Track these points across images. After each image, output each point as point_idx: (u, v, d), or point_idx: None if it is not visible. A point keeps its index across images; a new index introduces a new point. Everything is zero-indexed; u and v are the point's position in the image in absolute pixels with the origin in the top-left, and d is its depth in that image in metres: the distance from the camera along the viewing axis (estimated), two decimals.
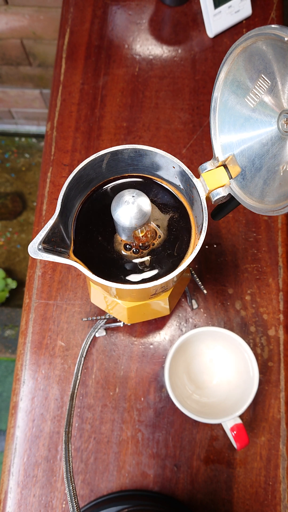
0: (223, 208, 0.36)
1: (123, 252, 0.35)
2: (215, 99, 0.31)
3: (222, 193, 0.32)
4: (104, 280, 0.30)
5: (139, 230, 0.32)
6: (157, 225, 0.36)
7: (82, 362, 0.45)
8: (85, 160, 0.32)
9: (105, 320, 0.49)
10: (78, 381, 0.42)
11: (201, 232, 0.31)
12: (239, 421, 0.43)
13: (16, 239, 1.34)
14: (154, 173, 0.36)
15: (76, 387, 0.42)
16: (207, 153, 0.58)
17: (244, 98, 0.30)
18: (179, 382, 0.47)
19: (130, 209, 0.29)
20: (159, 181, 0.36)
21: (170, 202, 0.36)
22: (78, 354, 0.50)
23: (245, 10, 0.62)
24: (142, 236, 0.33)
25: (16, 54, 1.02)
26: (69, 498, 0.32)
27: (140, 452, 0.47)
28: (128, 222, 0.30)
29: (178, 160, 0.32)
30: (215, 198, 0.33)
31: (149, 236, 0.35)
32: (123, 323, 0.50)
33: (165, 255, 0.35)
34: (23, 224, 1.35)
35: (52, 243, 0.30)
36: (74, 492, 0.33)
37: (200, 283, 0.51)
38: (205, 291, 0.51)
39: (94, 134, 0.59)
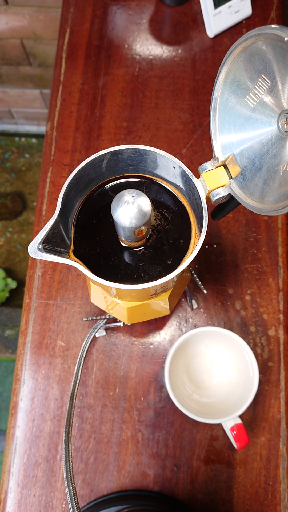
0: (223, 208, 0.36)
1: (123, 252, 0.35)
2: (215, 99, 0.31)
3: (222, 193, 0.32)
4: (104, 280, 0.30)
5: (138, 230, 0.32)
6: (157, 225, 0.36)
7: (82, 362, 0.45)
8: (85, 160, 0.32)
9: (105, 320, 0.49)
10: (78, 381, 0.42)
11: (201, 232, 0.31)
12: (239, 421, 0.43)
13: (16, 239, 1.34)
14: (154, 173, 0.36)
15: (76, 387, 0.42)
16: (207, 153, 0.58)
17: (244, 98, 0.30)
18: (179, 382, 0.47)
19: (130, 209, 0.29)
20: (159, 181, 0.36)
21: (170, 202, 0.36)
22: (78, 354, 0.50)
23: (245, 10, 0.62)
24: (142, 236, 0.33)
25: (16, 54, 1.02)
26: (69, 498, 0.32)
27: (140, 452, 0.47)
28: (128, 222, 0.30)
29: (178, 160, 0.32)
30: (215, 198, 0.33)
31: (148, 236, 0.35)
32: (123, 323, 0.50)
33: (165, 255, 0.35)
34: (23, 224, 1.35)
35: (52, 243, 0.30)
36: (74, 492, 0.33)
37: (200, 283, 0.51)
38: (205, 291, 0.51)
39: (94, 134, 0.59)
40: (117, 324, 0.50)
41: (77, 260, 0.32)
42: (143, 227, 0.31)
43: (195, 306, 0.52)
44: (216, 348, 0.48)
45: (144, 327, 0.51)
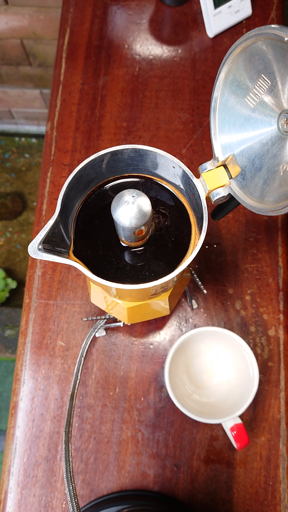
0: (223, 208, 0.36)
1: (123, 252, 0.35)
2: (215, 99, 0.31)
3: (222, 193, 0.32)
4: (104, 280, 0.30)
5: (138, 230, 0.32)
6: (156, 225, 0.36)
7: (82, 362, 0.45)
8: (85, 160, 0.32)
9: (105, 320, 0.49)
10: (78, 381, 0.42)
11: (201, 232, 0.31)
12: (239, 421, 0.43)
13: (16, 239, 1.34)
14: (154, 173, 0.36)
15: (76, 387, 0.42)
16: (207, 153, 0.58)
17: (244, 98, 0.30)
18: (179, 382, 0.47)
19: (130, 209, 0.29)
20: (159, 181, 0.36)
21: (170, 202, 0.36)
22: (78, 354, 0.50)
23: (245, 10, 0.62)
24: (142, 236, 0.33)
25: (16, 54, 1.02)
26: (69, 498, 0.32)
27: (140, 452, 0.47)
28: (128, 222, 0.30)
29: (178, 160, 0.33)
30: (215, 198, 0.33)
31: (148, 236, 0.35)
32: (123, 323, 0.50)
33: (165, 255, 0.35)
34: (23, 224, 1.35)
35: (52, 243, 0.30)
36: (74, 492, 0.33)
37: (200, 283, 0.51)
38: (205, 291, 0.51)
39: (94, 134, 0.59)
40: (117, 324, 0.50)
41: (77, 260, 0.32)
42: (143, 227, 0.31)
43: (195, 306, 0.52)
44: (216, 348, 0.48)
45: (144, 327, 0.51)
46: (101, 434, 0.48)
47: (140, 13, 0.64)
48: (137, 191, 0.30)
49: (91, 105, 0.60)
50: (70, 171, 0.57)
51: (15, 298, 1.28)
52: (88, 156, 0.36)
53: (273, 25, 0.25)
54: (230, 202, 0.34)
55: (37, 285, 0.52)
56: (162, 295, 0.39)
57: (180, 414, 0.48)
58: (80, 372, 0.44)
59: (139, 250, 0.35)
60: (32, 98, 1.20)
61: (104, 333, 0.50)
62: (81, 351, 0.46)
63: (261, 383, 0.49)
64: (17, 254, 1.32)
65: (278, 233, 0.54)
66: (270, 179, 0.29)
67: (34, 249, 0.29)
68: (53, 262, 0.53)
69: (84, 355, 0.46)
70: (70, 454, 0.35)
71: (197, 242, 0.32)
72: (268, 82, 0.27)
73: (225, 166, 0.33)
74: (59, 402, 0.48)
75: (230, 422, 0.43)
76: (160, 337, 0.51)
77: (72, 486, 0.33)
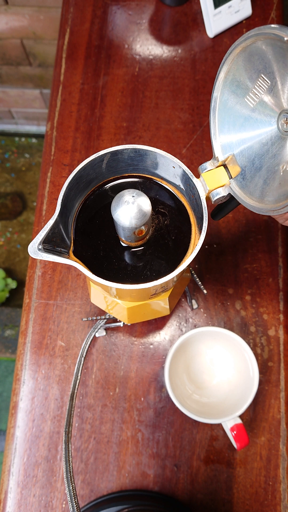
0: (223, 208, 0.36)
1: (123, 252, 0.35)
2: (215, 99, 0.31)
3: (222, 193, 0.32)
4: (104, 280, 0.30)
5: (138, 230, 0.32)
6: (157, 225, 0.36)
7: (82, 362, 0.45)
8: (85, 160, 0.32)
9: (105, 320, 0.49)
10: (78, 381, 0.42)
11: (201, 232, 0.31)
12: (239, 421, 0.43)
13: (16, 239, 1.34)
14: (154, 173, 0.36)
15: (76, 387, 0.42)
16: (207, 153, 0.58)
17: (244, 98, 0.30)
18: (179, 382, 0.47)
19: (130, 209, 0.29)
20: (159, 181, 0.36)
21: (170, 202, 0.36)
22: (78, 354, 0.50)
23: (245, 10, 0.62)
24: (142, 236, 0.33)
25: (16, 54, 1.02)
26: (69, 498, 0.32)
27: (140, 452, 0.47)
28: (128, 222, 0.30)
29: (178, 160, 0.32)
30: (215, 198, 0.33)
31: (148, 236, 0.35)
32: (123, 323, 0.50)
33: (165, 255, 0.35)
34: (23, 224, 1.35)
35: (52, 243, 0.30)
36: (74, 492, 0.33)
37: (200, 283, 0.51)
38: (205, 291, 0.51)
39: (94, 134, 0.59)
40: (117, 324, 0.50)
41: (77, 260, 0.32)
42: (143, 227, 0.31)
43: (195, 306, 0.52)
44: (216, 348, 0.48)
45: (144, 327, 0.51)
46: (101, 434, 0.48)
47: (140, 13, 0.64)
48: (137, 191, 0.30)
49: (91, 105, 0.60)
50: (70, 171, 0.57)
51: (15, 298, 1.28)
52: (88, 156, 0.36)
53: (273, 25, 0.25)
54: (230, 202, 0.34)
55: (37, 285, 0.52)
56: (162, 295, 0.39)
57: (180, 414, 0.48)
58: (80, 372, 0.44)
59: (139, 250, 0.35)
60: (32, 98, 1.20)
61: (104, 333, 0.50)
62: (81, 351, 0.46)
63: (261, 383, 0.49)
64: (17, 254, 1.32)
65: (278, 233, 0.54)
66: (270, 179, 0.29)
67: (34, 249, 0.29)
68: (53, 262, 0.53)
69: (84, 355, 0.46)
70: (70, 454, 0.35)
71: (197, 242, 0.32)
72: (267, 82, 0.27)
73: (225, 166, 0.33)
74: (59, 402, 0.48)
75: (230, 422, 0.43)
76: (160, 337, 0.51)
77: (72, 486, 0.33)
